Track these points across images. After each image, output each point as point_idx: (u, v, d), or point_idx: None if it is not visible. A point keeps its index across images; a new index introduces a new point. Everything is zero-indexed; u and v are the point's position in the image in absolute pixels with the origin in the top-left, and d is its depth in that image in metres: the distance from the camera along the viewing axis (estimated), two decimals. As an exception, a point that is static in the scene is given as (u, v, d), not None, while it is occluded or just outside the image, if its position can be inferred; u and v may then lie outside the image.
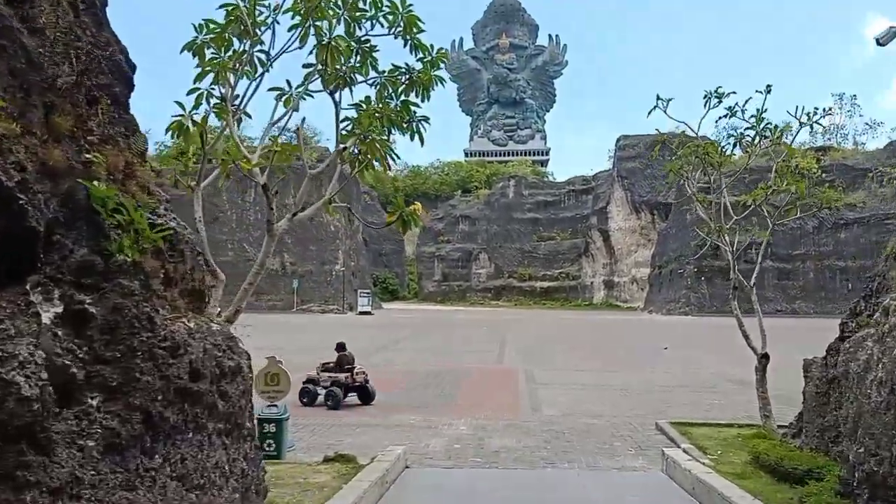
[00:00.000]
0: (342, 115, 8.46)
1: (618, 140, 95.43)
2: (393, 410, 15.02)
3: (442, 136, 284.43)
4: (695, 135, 13.28)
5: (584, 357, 27.39)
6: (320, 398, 15.20)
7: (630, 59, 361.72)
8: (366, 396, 15.53)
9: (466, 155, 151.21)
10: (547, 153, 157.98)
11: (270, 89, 8.97)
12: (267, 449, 10.46)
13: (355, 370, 15.36)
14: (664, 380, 20.51)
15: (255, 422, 10.62)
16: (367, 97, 8.48)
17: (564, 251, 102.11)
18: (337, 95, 8.73)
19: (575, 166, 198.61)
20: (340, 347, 15.70)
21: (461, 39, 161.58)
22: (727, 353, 29.40)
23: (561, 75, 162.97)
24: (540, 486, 9.29)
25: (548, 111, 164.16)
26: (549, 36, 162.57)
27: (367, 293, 71.69)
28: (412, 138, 9.00)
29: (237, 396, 5.20)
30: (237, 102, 8.73)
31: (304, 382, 15.27)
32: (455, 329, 45.36)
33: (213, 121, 8.06)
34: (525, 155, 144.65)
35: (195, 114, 8.23)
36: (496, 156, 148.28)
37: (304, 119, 8.84)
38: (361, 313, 66.80)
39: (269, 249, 9.13)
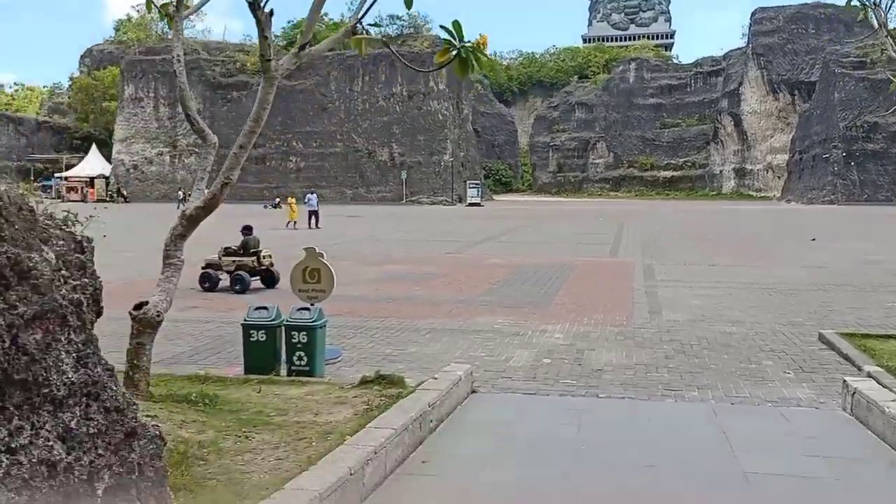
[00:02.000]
0: None
1: (753, 13, 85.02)
2: (478, 311, 12.41)
3: (558, 22, 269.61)
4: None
5: (716, 250, 23.61)
6: (223, 283, 14.75)
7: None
8: (270, 281, 15.01)
9: (584, 41, 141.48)
10: (671, 36, 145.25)
11: None
12: (297, 364, 8.16)
13: (261, 254, 14.93)
14: (819, 277, 16.70)
15: (283, 330, 8.28)
16: None
17: (690, 138, 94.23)
18: None
19: (703, 49, 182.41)
20: (246, 230, 15.26)
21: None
22: (897, 244, 24.72)
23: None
24: (657, 428, 6.43)
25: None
26: None
27: (477, 184, 68.92)
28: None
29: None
30: None
31: (203, 267, 14.80)
32: (567, 220, 42.08)
33: None
34: (648, 39, 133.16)
35: None
36: (616, 41, 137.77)
37: None
38: (471, 205, 64.47)
39: (266, 97, 6.36)
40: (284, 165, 71.00)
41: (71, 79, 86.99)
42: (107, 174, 71.64)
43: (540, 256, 21.21)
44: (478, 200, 65.99)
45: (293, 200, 37.46)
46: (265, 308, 8.42)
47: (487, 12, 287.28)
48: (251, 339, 8.24)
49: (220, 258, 14.95)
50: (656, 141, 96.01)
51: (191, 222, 6.37)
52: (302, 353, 8.15)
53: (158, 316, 6.07)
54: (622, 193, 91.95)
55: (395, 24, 75.83)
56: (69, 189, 67.88)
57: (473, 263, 19.76)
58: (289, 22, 79.89)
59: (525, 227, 36.88)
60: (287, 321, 8.24)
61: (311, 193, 38.35)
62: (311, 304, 9.07)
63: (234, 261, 14.73)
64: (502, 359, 9.11)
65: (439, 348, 9.71)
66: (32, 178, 75.73)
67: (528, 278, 16.53)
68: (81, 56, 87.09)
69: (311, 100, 70.47)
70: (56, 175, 72.19)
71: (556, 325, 11.19)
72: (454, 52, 5.23)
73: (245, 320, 8.28)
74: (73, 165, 73.48)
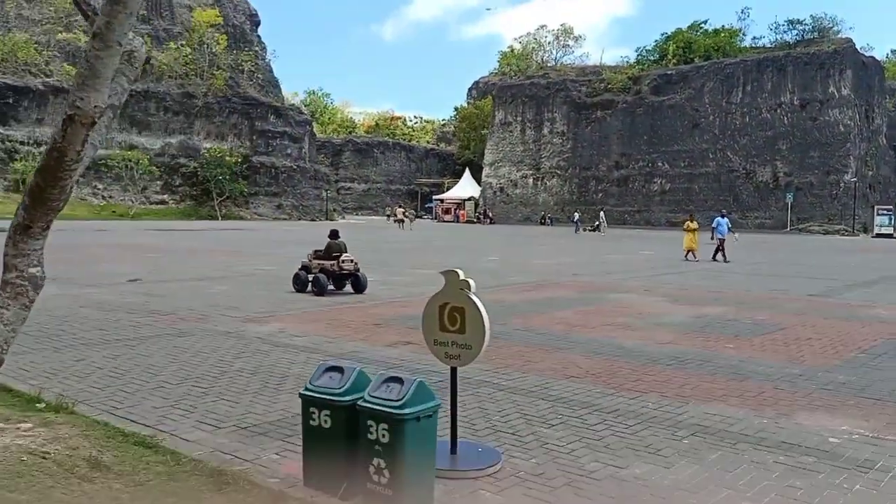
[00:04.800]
0: None
1: None
2: (809, 402, 7.14)
3: None
4: None
5: None
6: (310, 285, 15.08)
7: None
8: (357, 285, 15.14)
9: None
10: None
11: None
12: (375, 480, 4.51)
13: (341, 258, 15.14)
14: None
15: (351, 416, 4.35)
16: None
17: None
18: None
19: None
20: (333, 235, 15.75)
21: None
22: None
23: None
24: None
25: None
26: None
27: (889, 210, 55.53)
28: None
29: None
30: None
31: (298, 269, 15.48)
32: None
33: None
34: None
35: None
36: None
37: None
38: (879, 235, 52.08)
39: None
40: (647, 188, 66.32)
41: (456, 109, 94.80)
42: (476, 196, 75.28)
43: (965, 309, 13.81)
44: (890, 230, 53.23)
45: (695, 225, 27.58)
46: (339, 370, 4.89)
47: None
48: (311, 422, 4.82)
49: (310, 260, 15.45)
50: None
51: (36, 201, 3.15)
52: (381, 462, 4.43)
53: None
54: None
55: (794, 28, 67.34)
56: (444, 211, 73.00)
57: (841, 313, 13.48)
58: (663, 34, 75.21)
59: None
60: (363, 400, 4.60)
61: (722, 217, 28.13)
62: (453, 368, 5.41)
63: (319, 264, 15.17)
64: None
65: (689, 477, 5.05)
66: (419, 199, 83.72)
67: (930, 345, 10.10)
68: (469, 88, 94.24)
69: (682, 115, 64.66)
70: (434, 197, 78.41)
71: (966, 456, 5.51)
72: None
73: (305, 389, 4.88)
74: (451, 188, 79.06)
